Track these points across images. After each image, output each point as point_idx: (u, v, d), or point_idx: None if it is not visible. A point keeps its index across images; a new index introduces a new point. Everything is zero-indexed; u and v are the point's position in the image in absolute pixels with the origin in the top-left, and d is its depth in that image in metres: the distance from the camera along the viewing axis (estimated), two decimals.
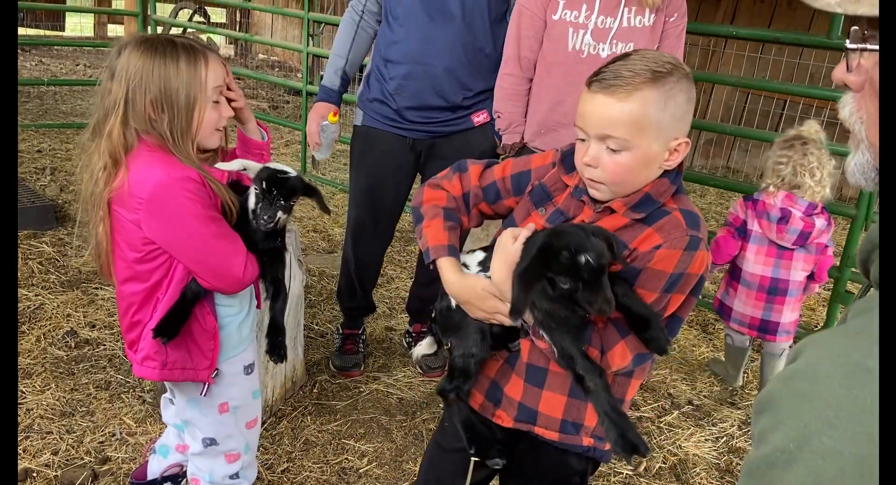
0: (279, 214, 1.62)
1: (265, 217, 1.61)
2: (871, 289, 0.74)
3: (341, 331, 3.11)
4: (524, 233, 1.31)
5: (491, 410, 1.50)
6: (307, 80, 5.60)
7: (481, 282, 1.37)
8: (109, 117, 1.57)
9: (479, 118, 2.68)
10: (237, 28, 11.81)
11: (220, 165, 1.68)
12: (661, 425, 2.86)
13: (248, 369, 1.84)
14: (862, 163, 0.77)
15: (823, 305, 4.20)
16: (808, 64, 5.83)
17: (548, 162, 1.49)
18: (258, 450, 2.25)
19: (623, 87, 1.25)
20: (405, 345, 3.25)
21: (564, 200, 1.43)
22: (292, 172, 1.67)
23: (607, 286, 1.19)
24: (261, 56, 11.41)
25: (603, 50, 2.28)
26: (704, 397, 3.10)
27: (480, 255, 1.45)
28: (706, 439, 2.80)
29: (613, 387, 1.40)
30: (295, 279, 2.60)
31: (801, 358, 0.66)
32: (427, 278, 3.03)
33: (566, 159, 1.43)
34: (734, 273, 3.00)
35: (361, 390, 2.89)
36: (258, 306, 1.89)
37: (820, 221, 2.77)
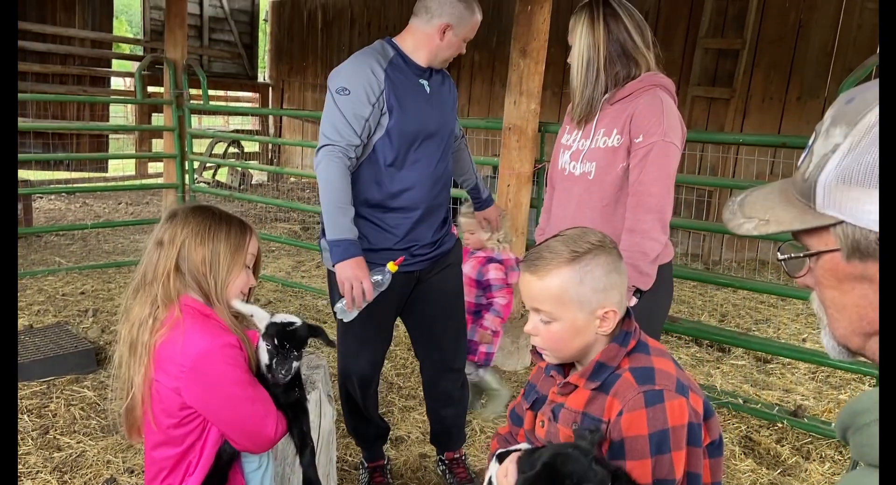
0: (295, 364, 1.71)
1: (282, 371, 1.69)
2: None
3: (366, 465, 3.10)
4: (510, 466, 1.36)
5: None
6: None
7: None
8: (156, 283, 1.67)
9: (455, 230, 2.92)
10: (269, 156, 12.45)
11: (236, 303, 1.75)
12: None
13: None
14: (832, 346, 0.85)
15: None
16: None
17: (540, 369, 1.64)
18: None
19: (542, 267, 1.39)
20: (439, 473, 3.22)
21: (541, 382, 1.57)
22: (298, 322, 1.75)
23: None
24: (291, 180, 11.95)
25: (576, 168, 2.45)
26: None
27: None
28: None
29: None
30: (325, 417, 2.63)
31: None
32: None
33: None
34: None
35: None
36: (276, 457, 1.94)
37: None
